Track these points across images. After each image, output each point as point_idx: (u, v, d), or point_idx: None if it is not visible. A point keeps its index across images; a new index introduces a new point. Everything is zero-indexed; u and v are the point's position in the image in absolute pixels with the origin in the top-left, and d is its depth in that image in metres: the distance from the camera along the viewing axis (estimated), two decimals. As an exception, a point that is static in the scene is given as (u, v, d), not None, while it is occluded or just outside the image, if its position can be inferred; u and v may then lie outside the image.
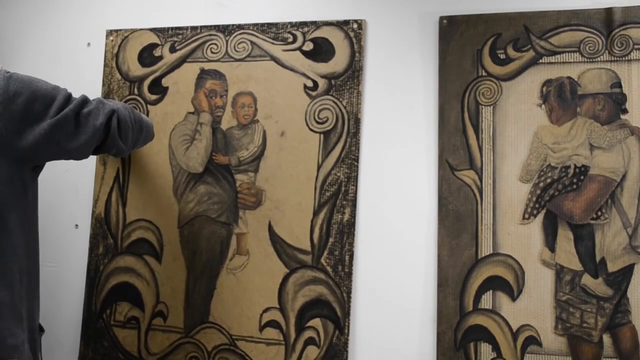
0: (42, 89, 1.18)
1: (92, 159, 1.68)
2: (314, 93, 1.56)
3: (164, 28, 1.70)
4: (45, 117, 1.17)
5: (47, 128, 1.16)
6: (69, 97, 1.23)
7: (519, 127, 1.42)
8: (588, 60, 1.39)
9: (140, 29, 1.72)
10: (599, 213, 1.35)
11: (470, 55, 1.46)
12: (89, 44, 1.78)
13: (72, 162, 1.58)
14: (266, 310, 1.53)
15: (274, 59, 1.60)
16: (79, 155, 1.27)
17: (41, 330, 1.31)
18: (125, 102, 1.69)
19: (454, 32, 1.48)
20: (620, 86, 1.37)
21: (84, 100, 1.25)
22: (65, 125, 1.19)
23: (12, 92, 1.13)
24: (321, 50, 1.57)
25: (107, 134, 1.28)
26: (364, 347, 1.47)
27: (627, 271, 1.33)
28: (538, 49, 1.42)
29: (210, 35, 1.66)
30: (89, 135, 1.24)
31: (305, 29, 1.59)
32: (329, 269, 1.49)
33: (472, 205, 1.43)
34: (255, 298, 1.54)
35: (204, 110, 1.64)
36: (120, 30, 1.73)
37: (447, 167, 1.45)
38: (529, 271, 1.38)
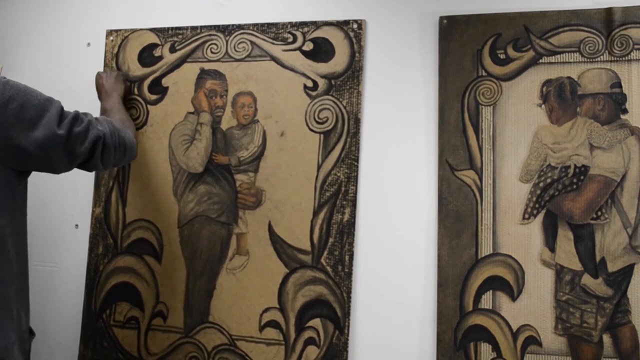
0: (36, 99, 1.18)
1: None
2: (314, 93, 1.56)
3: (164, 28, 1.70)
4: (37, 125, 1.16)
5: (40, 139, 1.16)
6: (61, 111, 1.22)
7: (519, 127, 1.42)
8: (588, 60, 1.39)
9: (140, 29, 1.72)
10: (599, 213, 1.35)
11: (470, 55, 1.46)
12: (89, 44, 1.78)
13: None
14: (266, 310, 1.53)
15: (274, 59, 1.60)
16: (57, 170, 1.27)
17: (31, 333, 1.30)
18: (125, 102, 1.69)
19: (454, 32, 1.48)
20: (620, 86, 1.37)
21: (76, 117, 1.25)
22: (56, 142, 1.19)
23: (7, 97, 1.13)
24: (321, 50, 1.57)
25: (90, 158, 1.28)
26: (364, 347, 1.47)
27: (627, 271, 1.33)
28: (538, 49, 1.42)
29: (210, 35, 1.66)
30: (73, 157, 1.24)
31: (305, 29, 1.59)
32: (329, 269, 1.49)
33: (472, 205, 1.43)
34: (255, 298, 1.54)
35: (204, 110, 1.64)
36: (120, 30, 1.74)
37: (447, 167, 1.45)
38: (529, 271, 1.38)
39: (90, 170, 1.35)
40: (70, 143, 1.22)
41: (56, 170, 1.26)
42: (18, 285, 1.22)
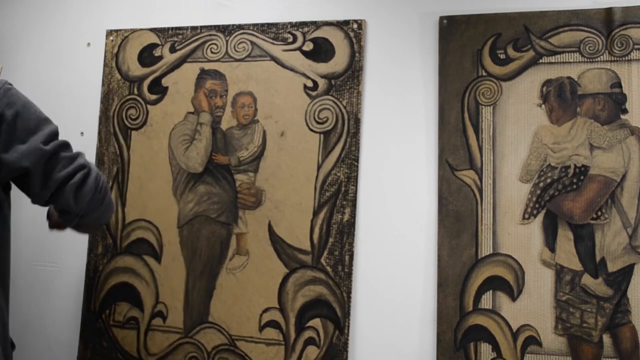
0: (34, 114, 1.15)
1: (90, 158, 1.68)
2: (314, 93, 1.56)
3: (164, 28, 1.70)
4: (26, 140, 1.12)
5: (24, 151, 1.11)
6: (56, 133, 1.17)
7: (519, 127, 1.42)
8: (588, 60, 1.39)
9: (140, 29, 1.72)
10: (599, 213, 1.35)
11: (470, 55, 1.46)
12: (89, 44, 1.78)
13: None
14: (266, 310, 1.53)
15: (274, 59, 1.60)
16: (31, 190, 1.16)
17: (12, 347, 1.25)
18: (125, 102, 1.69)
19: (454, 32, 1.48)
20: (620, 86, 1.37)
21: (66, 144, 1.18)
22: (37, 156, 1.12)
23: (5, 103, 1.12)
24: (321, 50, 1.57)
25: (65, 185, 1.15)
26: (364, 347, 1.46)
27: (627, 271, 1.33)
28: (538, 49, 1.42)
29: (210, 35, 1.66)
30: (49, 180, 1.15)
31: (305, 29, 1.59)
32: (329, 269, 1.49)
33: (472, 205, 1.43)
34: (255, 298, 1.54)
35: (204, 110, 1.64)
36: (120, 30, 1.73)
37: (447, 167, 1.45)
38: (529, 271, 1.38)
39: (57, 205, 1.19)
40: (52, 163, 1.14)
41: (30, 190, 1.16)
42: (2, 297, 1.19)
